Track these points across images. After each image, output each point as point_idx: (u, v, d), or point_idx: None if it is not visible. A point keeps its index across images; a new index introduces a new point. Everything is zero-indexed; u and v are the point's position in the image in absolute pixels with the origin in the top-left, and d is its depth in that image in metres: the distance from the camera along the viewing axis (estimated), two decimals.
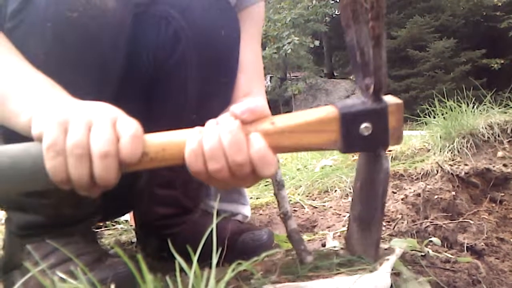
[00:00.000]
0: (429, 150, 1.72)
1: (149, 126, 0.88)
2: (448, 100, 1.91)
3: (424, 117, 2.03)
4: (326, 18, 16.17)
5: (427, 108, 2.02)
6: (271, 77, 15.93)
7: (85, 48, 0.70)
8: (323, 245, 0.97)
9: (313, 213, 1.34)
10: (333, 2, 16.65)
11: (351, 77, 15.82)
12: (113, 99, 0.79)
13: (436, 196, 1.18)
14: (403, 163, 1.63)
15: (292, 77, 15.91)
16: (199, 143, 0.57)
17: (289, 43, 14.20)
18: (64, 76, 0.71)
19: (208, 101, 0.87)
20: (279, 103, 15.25)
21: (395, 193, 1.32)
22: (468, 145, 1.59)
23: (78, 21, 0.68)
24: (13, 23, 0.71)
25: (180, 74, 0.83)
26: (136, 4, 0.79)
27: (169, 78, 0.84)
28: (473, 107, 1.89)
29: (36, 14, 0.69)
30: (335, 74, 18.24)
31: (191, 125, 0.84)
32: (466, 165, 1.39)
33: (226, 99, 0.90)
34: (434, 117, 1.94)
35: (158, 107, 0.87)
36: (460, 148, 1.58)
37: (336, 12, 18.17)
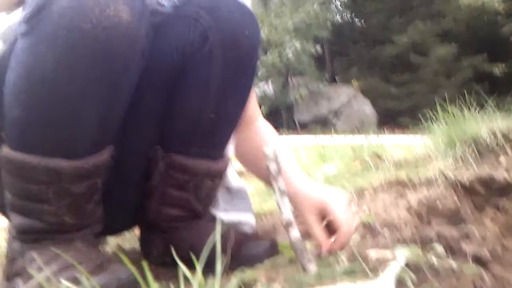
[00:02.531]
0: (431, 157, 1.72)
1: (168, 123, 0.90)
2: (450, 106, 1.91)
3: (426, 123, 2.03)
4: (328, 23, 16.19)
5: (429, 114, 2.02)
6: (272, 82, 15.93)
7: (95, 59, 0.71)
8: None
9: None
10: (335, 7, 16.68)
11: (352, 82, 15.81)
12: (126, 105, 0.81)
13: (439, 204, 1.18)
14: (406, 170, 1.63)
15: (294, 82, 15.91)
16: None
17: (290, 48, 14.21)
18: (73, 85, 0.72)
19: (226, 101, 0.91)
20: (280, 109, 15.25)
21: (398, 200, 1.32)
22: (471, 152, 1.59)
23: (90, 33, 0.69)
24: (25, 28, 0.72)
25: (205, 70, 0.88)
26: (153, 11, 0.81)
27: (194, 73, 0.88)
28: (475, 112, 1.88)
29: (50, 21, 0.70)
30: (337, 79, 18.25)
31: (209, 124, 0.89)
32: (469, 172, 1.39)
33: (242, 102, 0.94)
34: (437, 123, 1.94)
35: (180, 103, 0.90)
36: (463, 155, 1.57)
37: (338, 18, 18.20)
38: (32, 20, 0.71)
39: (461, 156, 1.57)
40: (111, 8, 0.70)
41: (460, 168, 1.49)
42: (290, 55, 14.16)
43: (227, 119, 0.94)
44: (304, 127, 14.66)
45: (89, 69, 0.72)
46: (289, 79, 16.04)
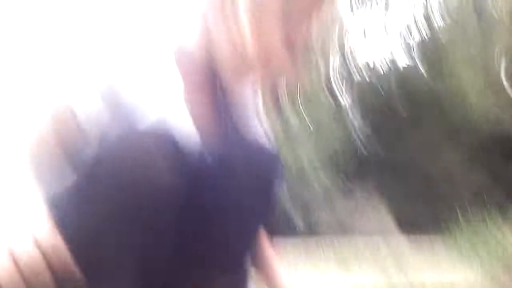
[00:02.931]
0: (456, 263, 1.67)
1: (192, 252, 0.93)
2: (469, 209, 1.88)
3: (446, 224, 1.99)
4: (340, 129, 16.45)
5: (448, 216, 1.99)
6: (286, 182, 15.85)
7: (134, 211, 0.78)
8: None
9: None
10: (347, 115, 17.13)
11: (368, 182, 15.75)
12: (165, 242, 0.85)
13: None
14: (431, 278, 1.57)
15: (308, 182, 15.90)
16: None
17: (304, 149, 14.36)
18: (114, 233, 0.77)
19: (249, 233, 0.97)
20: (294, 210, 15.05)
21: None
22: (497, 260, 1.53)
23: (131, 189, 0.76)
24: (73, 180, 0.79)
25: (233, 210, 0.92)
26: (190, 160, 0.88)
27: (223, 215, 0.92)
28: (496, 215, 1.85)
29: (95, 177, 0.78)
30: (352, 180, 18.25)
31: (233, 253, 0.93)
32: (497, 286, 1.33)
33: (259, 225, 1.00)
34: (457, 226, 1.90)
35: (209, 238, 0.93)
36: (489, 265, 1.52)
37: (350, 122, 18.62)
38: (79, 177, 0.79)
39: (487, 267, 1.51)
40: (151, 166, 0.78)
41: (488, 279, 1.43)
42: (304, 156, 14.29)
43: (247, 246, 0.99)
44: (320, 229, 14.39)
45: (127, 219, 0.78)
46: (303, 179, 16.07)
